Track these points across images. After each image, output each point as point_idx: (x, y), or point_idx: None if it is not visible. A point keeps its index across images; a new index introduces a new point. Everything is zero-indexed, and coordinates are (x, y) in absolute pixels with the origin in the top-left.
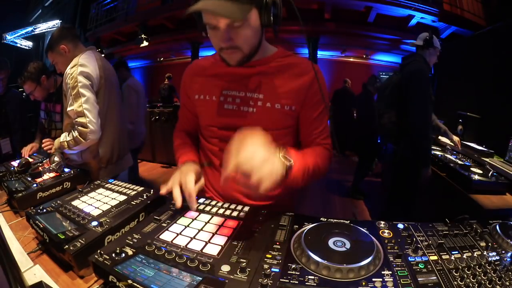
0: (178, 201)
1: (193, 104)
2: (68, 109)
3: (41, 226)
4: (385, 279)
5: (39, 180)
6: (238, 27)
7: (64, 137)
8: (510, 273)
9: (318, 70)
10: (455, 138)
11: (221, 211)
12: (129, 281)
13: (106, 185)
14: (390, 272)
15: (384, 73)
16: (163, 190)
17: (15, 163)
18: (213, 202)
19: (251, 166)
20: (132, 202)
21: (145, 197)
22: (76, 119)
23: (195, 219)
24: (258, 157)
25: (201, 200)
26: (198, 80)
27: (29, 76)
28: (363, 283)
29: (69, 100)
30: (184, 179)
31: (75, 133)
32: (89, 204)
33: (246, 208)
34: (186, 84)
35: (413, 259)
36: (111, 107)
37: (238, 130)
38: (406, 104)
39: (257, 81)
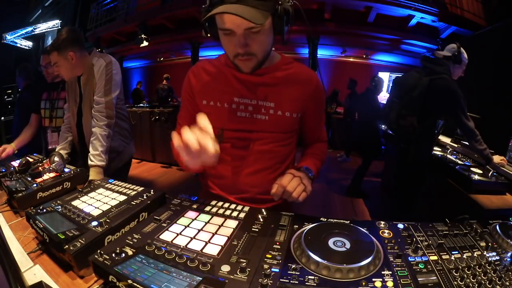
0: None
1: (200, 109)
2: (97, 98)
3: (41, 226)
4: (385, 279)
5: (39, 180)
6: (255, 32)
7: (95, 148)
8: (510, 273)
9: (318, 80)
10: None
11: (221, 211)
12: (129, 281)
13: (106, 185)
14: (390, 272)
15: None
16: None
17: (15, 163)
18: (213, 202)
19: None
20: (132, 202)
21: (145, 197)
22: (104, 108)
23: (195, 219)
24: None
25: (201, 200)
26: (204, 85)
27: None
28: (363, 283)
29: (99, 92)
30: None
31: (105, 129)
32: (89, 204)
33: (246, 208)
34: (191, 86)
35: (413, 259)
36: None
37: (250, 132)
38: (430, 113)
39: (266, 90)
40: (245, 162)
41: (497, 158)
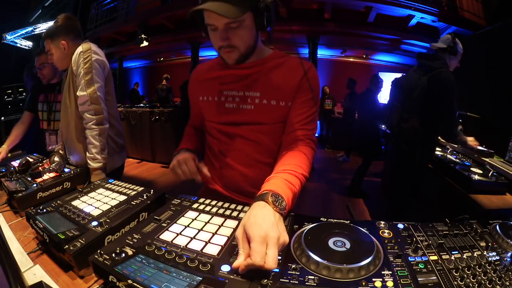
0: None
1: (199, 105)
2: (79, 93)
3: (41, 226)
4: (385, 279)
5: (39, 180)
6: (235, 27)
7: (90, 151)
8: (510, 273)
9: (310, 66)
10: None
11: (221, 211)
12: (129, 281)
13: (106, 185)
14: (390, 272)
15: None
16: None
17: (15, 163)
18: (213, 202)
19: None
20: (132, 202)
21: (145, 197)
22: (90, 106)
23: (195, 219)
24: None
25: (201, 200)
26: (201, 83)
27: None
28: (363, 283)
29: (79, 86)
30: (183, 163)
31: (94, 129)
32: (89, 204)
33: (246, 208)
34: (193, 88)
35: (413, 259)
36: (113, 97)
37: (237, 125)
38: (433, 112)
39: (253, 80)
40: (236, 154)
41: (471, 141)
